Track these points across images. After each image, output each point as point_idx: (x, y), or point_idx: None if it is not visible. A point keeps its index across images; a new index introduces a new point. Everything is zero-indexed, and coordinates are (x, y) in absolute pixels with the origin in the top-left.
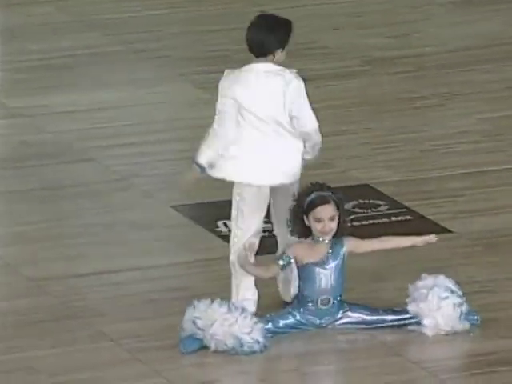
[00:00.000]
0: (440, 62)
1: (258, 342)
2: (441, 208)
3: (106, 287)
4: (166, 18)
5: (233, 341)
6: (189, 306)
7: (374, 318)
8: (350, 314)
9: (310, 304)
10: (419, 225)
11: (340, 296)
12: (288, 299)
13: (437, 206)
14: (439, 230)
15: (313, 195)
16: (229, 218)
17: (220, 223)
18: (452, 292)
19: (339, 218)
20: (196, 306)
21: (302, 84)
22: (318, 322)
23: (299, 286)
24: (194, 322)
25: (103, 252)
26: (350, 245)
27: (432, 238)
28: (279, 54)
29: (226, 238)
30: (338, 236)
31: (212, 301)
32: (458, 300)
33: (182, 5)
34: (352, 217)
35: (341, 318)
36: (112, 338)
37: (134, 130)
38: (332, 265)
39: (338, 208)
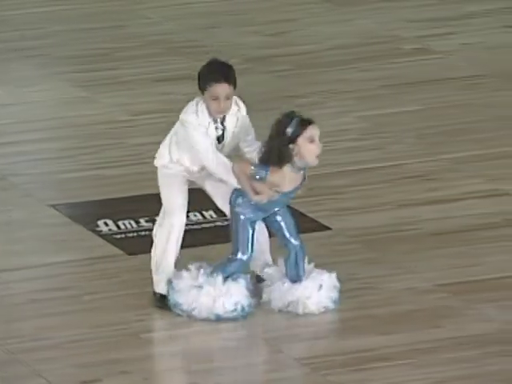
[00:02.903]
0: (318, 60)
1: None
2: (320, 205)
3: None
4: (45, 16)
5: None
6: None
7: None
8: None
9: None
10: (300, 222)
11: None
12: (259, 273)
13: (316, 204)
14: (318, 227)
15: (296, 118)
16: (109, 217)
17: (100, 222)
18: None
19: None
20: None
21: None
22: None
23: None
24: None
25: None
26: None
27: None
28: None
29: (106, 236)
30: None
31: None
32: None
33: (60, 3)
34: None
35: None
36: None
37: (12, 128)
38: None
39: None
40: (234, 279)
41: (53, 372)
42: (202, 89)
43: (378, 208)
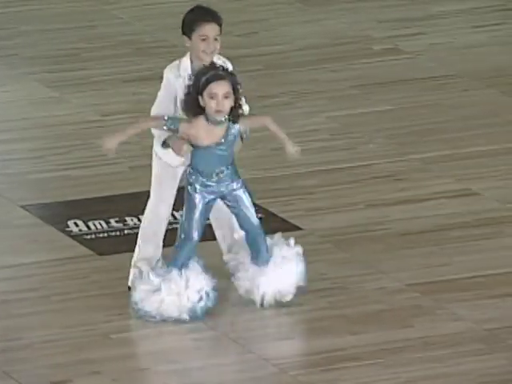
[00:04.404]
0: (288, 60)
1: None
2: (291, 206)
3: None
4: (15, 16)
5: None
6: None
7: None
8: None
9: (205, 179)
10: (270, 222)
11: (232, 163)
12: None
13: (287, 204)
14: (289, 227)
15: (209, 73)
16: (79, 217)
17: (70, 223)
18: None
19: (234, 100)
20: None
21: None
22: (215, 192)
23: (192, 161)
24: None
25: None
26: (244, 124)
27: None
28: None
29: (76, 237)
30: (233, 119)
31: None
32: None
33: (30, 3)
34: None
35: (235, 190)
36: None
37: None
38: (227, 144)
39: (233, 88)
40: (187, 266)
41: (23, 373)
42: (189, 31)
43: (348, 208)
